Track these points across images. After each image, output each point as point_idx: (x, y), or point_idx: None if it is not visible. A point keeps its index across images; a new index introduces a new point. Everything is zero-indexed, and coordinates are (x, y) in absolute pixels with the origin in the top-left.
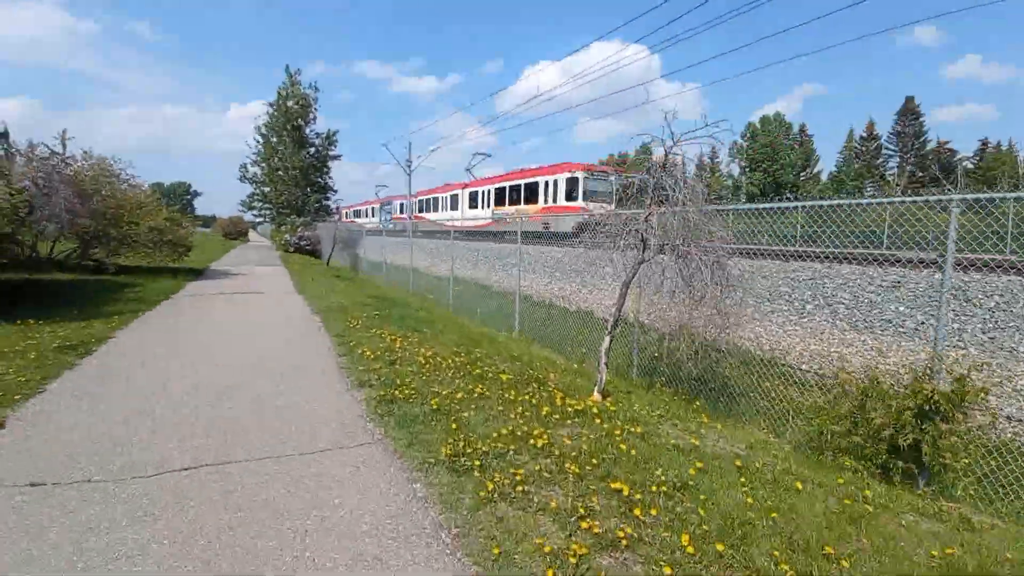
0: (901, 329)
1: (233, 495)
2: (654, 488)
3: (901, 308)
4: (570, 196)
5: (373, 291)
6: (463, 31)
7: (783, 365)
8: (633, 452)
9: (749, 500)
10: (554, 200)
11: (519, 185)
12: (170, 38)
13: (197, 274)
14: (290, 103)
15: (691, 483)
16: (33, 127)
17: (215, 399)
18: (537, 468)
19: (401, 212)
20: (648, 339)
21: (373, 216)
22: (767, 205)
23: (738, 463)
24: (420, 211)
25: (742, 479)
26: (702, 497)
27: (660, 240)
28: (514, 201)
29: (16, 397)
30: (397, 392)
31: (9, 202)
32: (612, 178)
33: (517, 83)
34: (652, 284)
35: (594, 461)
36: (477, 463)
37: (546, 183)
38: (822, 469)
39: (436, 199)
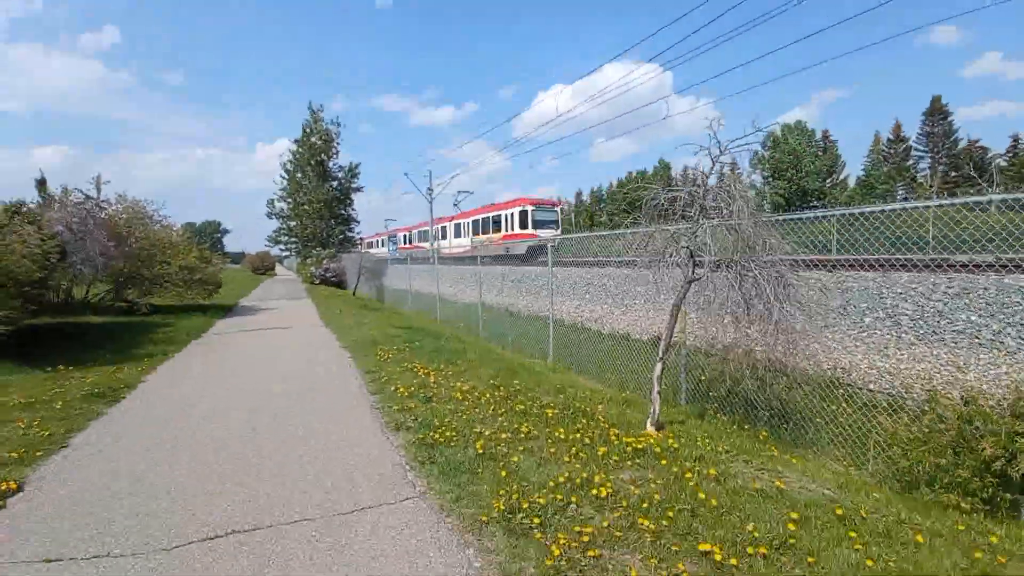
0: (976, 340)
1: (265, 573)
2: (750, 550)
3: (973, 317)
4: (523, 225)
5: (401, 321)
6: (477, 59)
7: (847, 385)
8: (713, 501)
9: (868, 561)
10: (512, 229)
11: (488, 218)
12: (200, 84)
13: (226, 311)
14: (314, 139)
15: (791, 540)
16: (74, 172)
17: (243, 450)
18: (605, 524)
19: (404, 243)
20: (694, 362)
21: (382, 247)
22: (839, 211)
23: (839, 511)
24: (420, 241)
25: (850, 532)
26: (810, 559)
27: (713, 256)
28: (486, 230)
29: (38, 454)
30: (437, 435)
31: (40, 248)
32: (557, 209)
33: (532, 107)
34: (703, 303)
35: (670, 514)
36: (536, 520)
37: (506, 215)
38: (928, 509)
39: (429, 231)
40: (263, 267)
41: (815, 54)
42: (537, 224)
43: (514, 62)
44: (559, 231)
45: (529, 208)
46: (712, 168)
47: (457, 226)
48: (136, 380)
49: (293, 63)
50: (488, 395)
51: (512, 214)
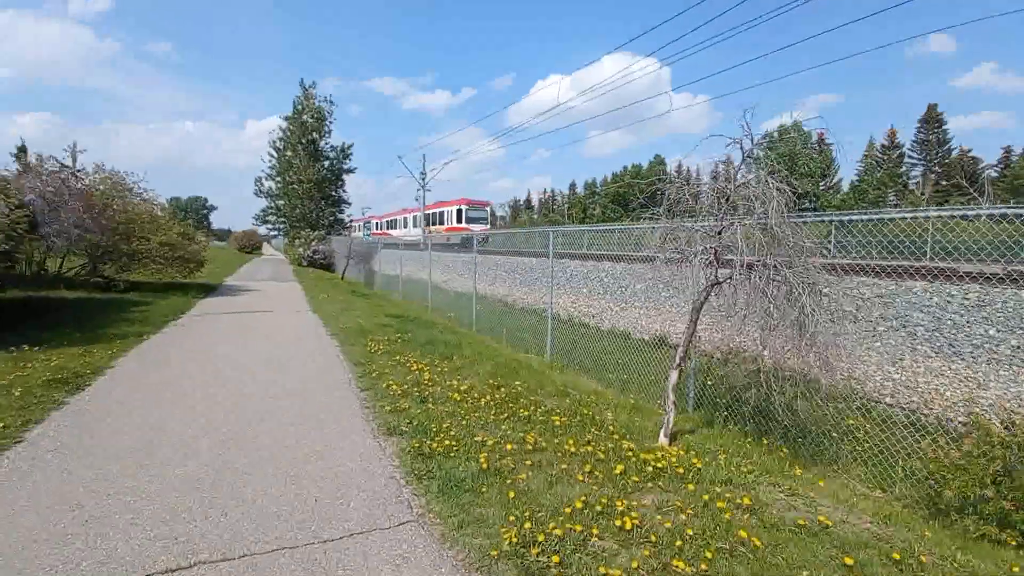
0: (995, 355)
1: None
2: None
3: (992, 331)
4: (459, 220)
5: (392, 309)
6: (475, 44)
7: (861, 397)
8: (756, 541)
9: None
10: (451, 223)
11: (436, 212)
12: (191, 57)
13: (209, 290)
14: (305, 117)
15: None
16: (58, 142)
17: (216, 456)
18: (635, 565)
19: (375, 229)
20: (699, 365)
21: (357, 231)
22: (871, 215)
23: (896, 555)
24: (388, 228)
25: None
26: None
27: (744, 257)
28: (434, 223)
29: None
30: (434, 443)
31: (7, 218)
32: (487, 208)
33: (529, 95)
34: (721, 307)
35: (707, 555)
36: (555, 558)
37: (448, 211)
38: (965, 540)
39: (396, 220)
40: (250, 246)
41: (811, 58)
42: (470, 220)
43: (511, 51)
44: (488, 226)
45: (464, 207)
46: (742, 162)
47: (415, 218)
48: (105, 365)
49: (285, 39)
50: (488, 397)
51: (452, 211)
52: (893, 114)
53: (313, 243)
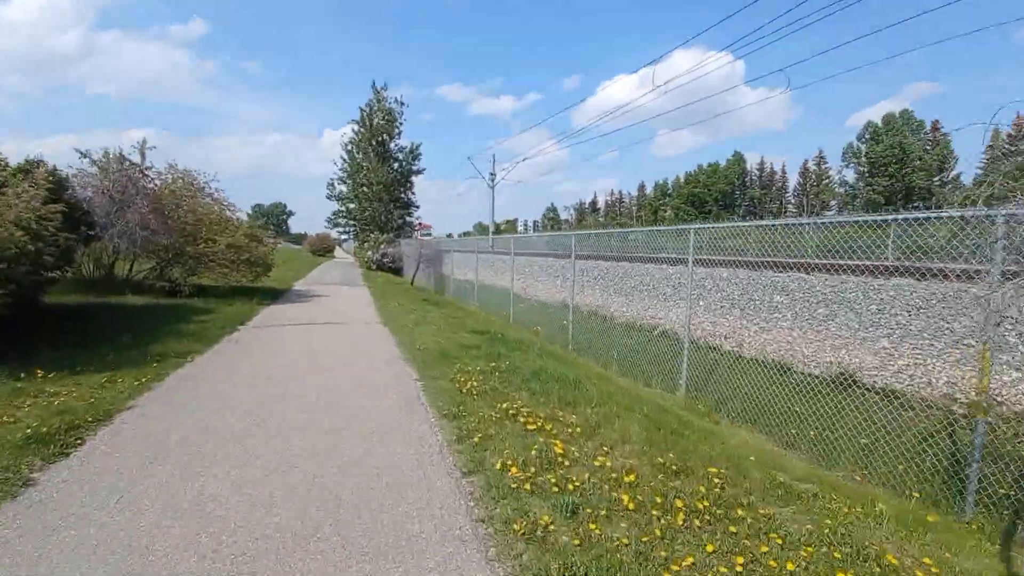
0: None
1: None
2: None
3: None
4: (421, 235)
5: (471, 322)
6: (541, 48)
7: None
8: None
9: None
10: (417, 237)
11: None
12: (277, 73)
13: (276, 296)
14: (376, 119)
15: None
16: (159, 154)
17: None
18: None
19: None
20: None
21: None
22: None
23: None
24: None
25: None
26: None
27: None
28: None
29: None
30: None
31: (36, 213)
32: (431, 229)
33: (594, 96)
34: None
35: None
36: None
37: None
38: None
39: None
40: (322, 249)
41: (900, 44)
42: (425, 233)
43: (577, 50)
44: (432, 236)
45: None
46: None
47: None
48: (123, 402)
49: (360, 50)
50: (681, 503)
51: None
52: (1010, 105)
53: (382, 246)
